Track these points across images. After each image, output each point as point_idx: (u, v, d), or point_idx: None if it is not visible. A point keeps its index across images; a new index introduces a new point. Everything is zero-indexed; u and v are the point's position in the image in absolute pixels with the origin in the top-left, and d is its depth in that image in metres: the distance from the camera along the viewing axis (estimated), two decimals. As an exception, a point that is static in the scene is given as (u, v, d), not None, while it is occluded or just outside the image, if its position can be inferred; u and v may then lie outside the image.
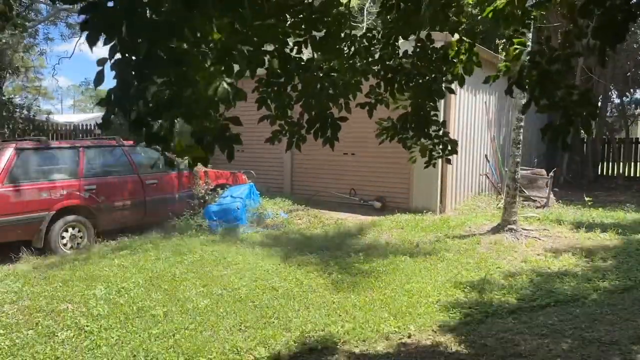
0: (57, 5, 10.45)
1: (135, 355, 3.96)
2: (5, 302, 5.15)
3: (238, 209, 8.80)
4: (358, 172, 10.79)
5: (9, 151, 6.97)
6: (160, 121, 1.41)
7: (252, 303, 5.12)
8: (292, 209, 10.13)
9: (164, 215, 8.49)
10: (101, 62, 1.51)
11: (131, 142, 8.76)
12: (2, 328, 4.47)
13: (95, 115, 24.06)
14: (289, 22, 2.28)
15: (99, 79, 1.50)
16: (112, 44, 1.57)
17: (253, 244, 7.54)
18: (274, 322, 4.67)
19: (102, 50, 1.65)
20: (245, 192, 9.33)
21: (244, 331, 4.49)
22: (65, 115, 26.30)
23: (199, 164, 1.63)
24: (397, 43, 3.04)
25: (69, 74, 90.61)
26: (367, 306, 5.04)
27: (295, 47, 2.21)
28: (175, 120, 1.40)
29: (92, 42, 1.44)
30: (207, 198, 9.21)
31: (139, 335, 4.30)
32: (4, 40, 8.72)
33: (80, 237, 7.49)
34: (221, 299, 5.23)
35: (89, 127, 13.41)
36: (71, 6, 11.02)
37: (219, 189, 9.44)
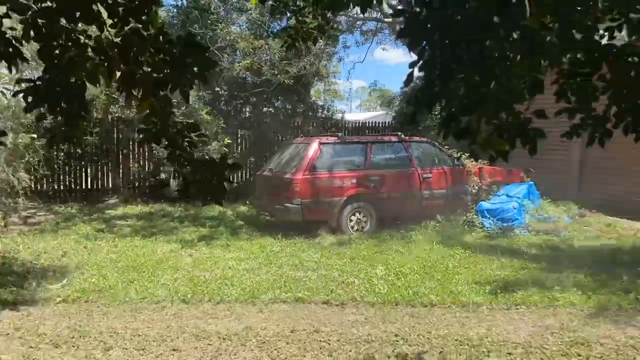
0: (354, 16, 11.83)
1: (411, 335, 4.27)
2: (309, 269, 6.22)
3: (514, 209, 8.40)
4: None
5: (315, 145, 8.31)
6: (467, 117, 1.52)
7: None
8: (578, 214, 9.09)
9: (438, 208, 8.75)
10: (412, 65, 1.71)
11: (415, 138, 9.34)
12: (308, 290, 5.42)
13: (378, 113, 26.36)
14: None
15: (409, 80, 1.71)
16: (420, 47, 1.76)
17: (530, 247, 7.13)
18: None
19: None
20: (523, 192, 8.82)
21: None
22: (353, 114, 29.65)
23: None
24: None
25: (357, 77, 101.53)
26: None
27: (607, 34, 1.99)
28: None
29: (412, 46, 1.65)
30: (481, 195, 9.07)
31: (415, 318, 4.61)
32: (315, 51, 10.42)
33: (365, 222, 8.38)
34: (494, 298, 5.15)
35: (373, 124, 14.80)
36: (365, 15, 12.32)
37: (494, 187, 9.19)
